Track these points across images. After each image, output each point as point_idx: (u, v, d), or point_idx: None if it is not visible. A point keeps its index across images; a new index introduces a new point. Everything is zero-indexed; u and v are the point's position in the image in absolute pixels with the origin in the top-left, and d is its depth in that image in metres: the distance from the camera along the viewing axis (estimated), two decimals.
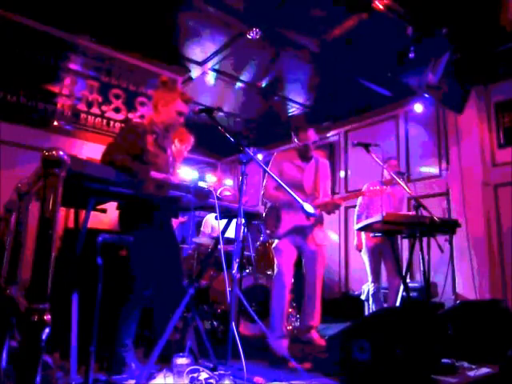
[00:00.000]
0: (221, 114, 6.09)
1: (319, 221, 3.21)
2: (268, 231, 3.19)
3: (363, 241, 4.06)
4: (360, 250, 4.12)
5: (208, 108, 2.31)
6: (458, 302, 3.93)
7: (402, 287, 3.58)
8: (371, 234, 3.88)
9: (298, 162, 3.23)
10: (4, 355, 1.54)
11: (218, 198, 2.17)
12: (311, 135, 3.16)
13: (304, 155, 3.23)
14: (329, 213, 3.17)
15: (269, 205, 3.29)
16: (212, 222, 4.49)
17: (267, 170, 2.48)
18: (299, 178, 3.19)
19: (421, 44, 3.90)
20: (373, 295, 3.92)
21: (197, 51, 4.62)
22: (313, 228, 3.13)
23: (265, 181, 3.24)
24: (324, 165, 3.33)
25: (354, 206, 4.33)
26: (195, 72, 5.02)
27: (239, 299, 2.23)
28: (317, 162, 3.28)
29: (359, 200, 4.22)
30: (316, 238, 3.13)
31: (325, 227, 3.31)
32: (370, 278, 3.96)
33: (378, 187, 3.23)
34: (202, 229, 4.60)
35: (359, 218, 4.08)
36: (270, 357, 2.74)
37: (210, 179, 6.04)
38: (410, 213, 3.53)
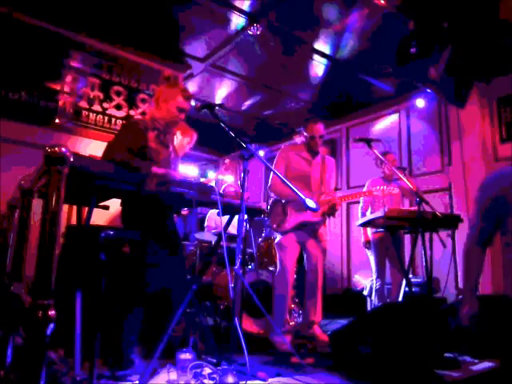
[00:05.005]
0: (222, 110, 6.07)
1: (325, 219, 3.19)
2: (274, 225, 3.15)
3: (369, 236, 4.04)
4: (368, 247, 4.10)
5: (209, 104, 2.30)
6: (460, 296, 3.93)
7: (404, 282, 3.58)
8: (373, 230, 3.87)
9: (306, 156, 3.21)
10: (9, 351, 1.55)
11: (220, 195, 2.17)
12: (320, 128, 3.15)
13: (311, 149, 3.22)
14: (328, 215, 3.11)
15: (272, 199, 3.26)
16: (216, 218, 4.49)
17: (269, 165, 2.47)
18: (307, 170, 3.16)
19: (422, 38, 3.88)
20: (377, 291, 3.90)
21: (198, 47, 4.61)
22: (318, 224, 3.12)
23: (271, 174, 3.21)
24: (330, 161, 3.32)
25: (356, 203, 4.31)
26: (196, 68, 5.01)
27: (242, 295, 2.24)
28: (323, 158, 3.27)
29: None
30: (318, 233, 3.13)
31: (326, 223, 3.30)
32: (374, 274, 3.95)
33: (381, 187, 3.22)
34: (205, 224, 4.60)
35: (364, 215, 4.06)
36: (272, 352, 2.75)
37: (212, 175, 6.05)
38: (412, 208, 3.52)
